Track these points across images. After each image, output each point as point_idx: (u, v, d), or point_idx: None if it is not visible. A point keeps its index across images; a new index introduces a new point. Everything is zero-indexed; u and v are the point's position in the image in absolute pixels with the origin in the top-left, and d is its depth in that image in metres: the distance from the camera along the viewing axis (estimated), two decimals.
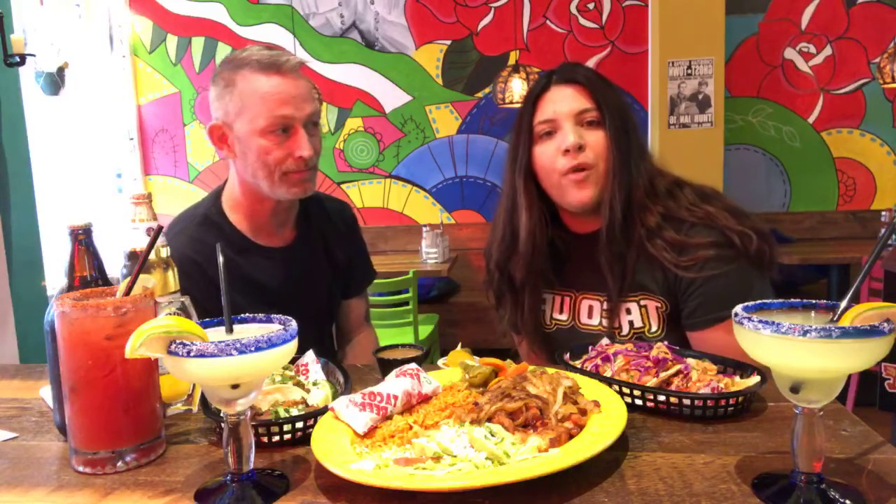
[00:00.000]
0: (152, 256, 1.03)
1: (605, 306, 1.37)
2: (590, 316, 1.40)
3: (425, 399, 0.99)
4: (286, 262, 1.54)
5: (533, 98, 1.37)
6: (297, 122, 1.40)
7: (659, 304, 1.33)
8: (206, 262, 1.42)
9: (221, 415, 0.80)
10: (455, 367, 1.11)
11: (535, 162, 1.36)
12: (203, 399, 1.00)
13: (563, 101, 1.33)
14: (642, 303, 1.33)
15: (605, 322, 1.36)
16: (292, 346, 0.78)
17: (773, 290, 1.31)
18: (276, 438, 0.93)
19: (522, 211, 1.38)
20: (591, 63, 4.74)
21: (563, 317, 1.44)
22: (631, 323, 1.34)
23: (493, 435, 0.83)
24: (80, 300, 0.88)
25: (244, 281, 1.46)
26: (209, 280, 1.42)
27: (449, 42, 4.87)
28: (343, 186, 5.08)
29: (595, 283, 1.37)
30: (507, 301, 1.47)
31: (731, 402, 0.95)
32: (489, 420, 0.87)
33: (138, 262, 0.91)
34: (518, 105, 4.11)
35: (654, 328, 1.33)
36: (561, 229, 1.44)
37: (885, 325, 0.67)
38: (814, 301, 0.78)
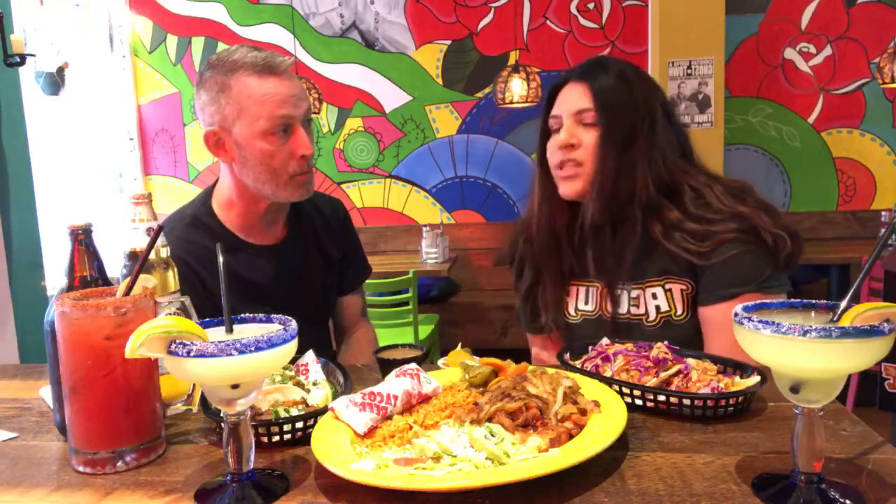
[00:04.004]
0: (152, 256, 1.03)
1: (632, 294, 1.38)
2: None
3: (425, 399, 0.99)
4: (278, 259, 1.54)
5: (550, 92, 1.44)
6: (296, 121, 1.40)
7: (684, 287, 1.35)
8: (196, 262, 1.42)
9: (221, 415, 0.80)
10: (455, 367, 1.11)
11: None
12: (203, 399, 1.00)
13: (569, 101, 1.38)
14: (667, 286, 1.36)
15: (632, 310, 1.39)
16: (292, 346, 0.78)
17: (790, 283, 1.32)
18: (276, 438, 0.93)
19: (537, 197, 1.46)
20: None
21: (590, 307, 1.46)
22: (658, 308, 1.37)
23: (493, 435, 0.83)
24: (80, 300, 0.88)
25: (236, 280, 1.45)
26: (199, 280, 1.42)
27: (449, 42, 4.87)
28: (343, 186, 5.09)
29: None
30: (525, 281, 1.52)
31: (731, 402, 0.95)
32: (489, 420, 0.87)
33: (138, 262, 0.91)
34: (518, 105, 4.16)
35: (679, 311, 1.35)
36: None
37: (885, 325, 0.67)
38: (814, 301, 0.78)
